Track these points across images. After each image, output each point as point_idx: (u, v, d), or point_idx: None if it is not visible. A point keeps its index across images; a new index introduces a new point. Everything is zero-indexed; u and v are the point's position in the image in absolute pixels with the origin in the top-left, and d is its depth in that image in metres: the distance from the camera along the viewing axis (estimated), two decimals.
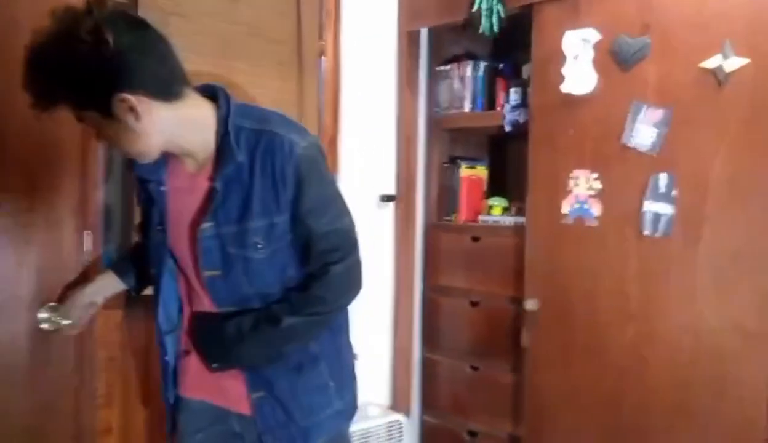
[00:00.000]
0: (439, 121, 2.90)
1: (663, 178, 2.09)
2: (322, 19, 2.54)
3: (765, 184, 1.91)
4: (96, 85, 1.18)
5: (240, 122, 1.32)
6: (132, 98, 1.19)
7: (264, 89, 2.28)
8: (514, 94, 2.61)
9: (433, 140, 2.92)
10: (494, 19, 2.48)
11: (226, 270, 1.35)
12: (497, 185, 2.95)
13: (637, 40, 2.12)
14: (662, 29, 2.08)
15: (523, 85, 2.57)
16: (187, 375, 1.51)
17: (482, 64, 2.78)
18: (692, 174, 2.03)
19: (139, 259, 1.58)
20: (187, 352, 1.50)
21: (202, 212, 1.35)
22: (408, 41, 2.83)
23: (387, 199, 2.79)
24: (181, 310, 1.50)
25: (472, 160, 2.94)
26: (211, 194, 1.33)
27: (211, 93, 1.35)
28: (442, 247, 2.86)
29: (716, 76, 1.97)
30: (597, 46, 2.22)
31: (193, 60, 2.03)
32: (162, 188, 1.40)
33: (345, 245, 1.40)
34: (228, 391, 1.45)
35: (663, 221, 2.09)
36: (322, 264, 1.36)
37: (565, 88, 2.29)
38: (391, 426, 2.63)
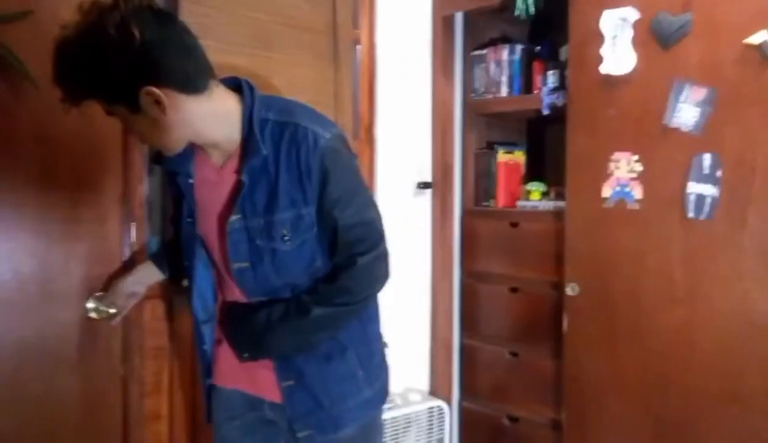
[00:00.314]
0: (475, 107, 2.87)
1: (707, 159, 2.03)
2: (357, 7, 2.54)
3: None
4: (123, 79, 1.19)
5: (264, 114, 1.33)
6: (158, 91, 1.20)
7: (300, 79, 2.30)
8: (552, 77, 2.57)
9: (470, 126, 2.90)
10: (530, 1, 2.44)
11: (254, 262, 1.37)
12: (535, 170, 2.91)
13: (679, 17, 2.07)
14: (704, 5, 2.02)
15: (561, 67, 2.53)
16: (220, 364, 1.54)
17: (518, 47, 2.75)
18: (738, 154, 1.98)
19: (175, 251, 1.61)
20: (219, 341, 1.53)
21: (230, 205, 1.37)
22: (443, 26, 2.81)
23: (424, 186, 2.78)
24: (216, 299, 1.53)
25: (510, 145, 2.91)
26: (238, 187, 1.35)
27: (235, 85, 1.36)
28: (480, 234, 2.84)
29: (762, 52, 1.91)
30: (636, 25, 2.17)
31: (231, 51, 2.06)
32: (190, 181, 1.42)
33: (371, 236, 1.39)
34: (259, 380, 1.47)
35: (707, 203, 2.03)
36: (349, 255, 1.36)
37: (603, 68, 2.24)
38: (432, 412, 2.65)
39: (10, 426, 1.62)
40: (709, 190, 2.03)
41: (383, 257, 1.42)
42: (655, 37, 2.13)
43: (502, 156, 2.83)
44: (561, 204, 2.47)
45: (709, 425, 2.07)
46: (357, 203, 1.37)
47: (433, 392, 2.82)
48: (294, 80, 2.26)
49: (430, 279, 2.85)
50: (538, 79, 2.66)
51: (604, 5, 2.23)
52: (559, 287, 2.45)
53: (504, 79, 2.76)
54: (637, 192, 2.19)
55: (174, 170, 1.45)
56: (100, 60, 1.17)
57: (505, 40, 2.83)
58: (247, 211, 1.35)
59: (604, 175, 2.26)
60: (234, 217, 1.35)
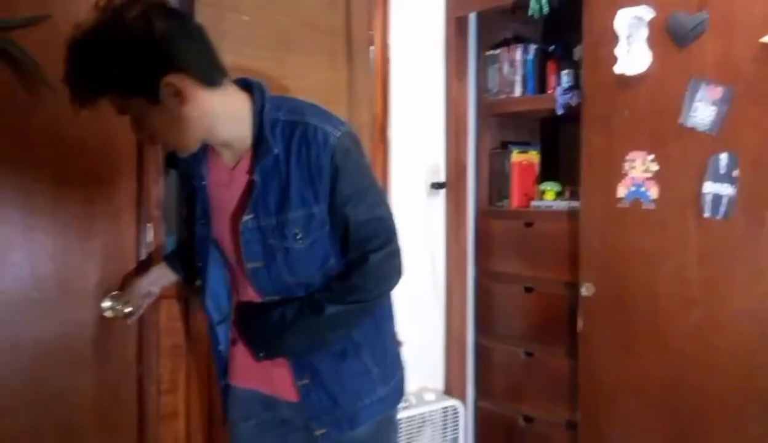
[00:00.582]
0: (489, 107, 2.87)
1: (723, 158, 2.01)
2: (370, 8, 2.55)
3: None
4: (144, 68, 1.20)
5: (275, 114, 1.34)
6: (178, 81, 1.22)
7: (315, 80, 2.31)
8: (566, 77, 2.56)
9: (483, 126, 2.89)
10: (543, 1, 2.44)
11: (267, 261, 1.38)
12: (549, 170, 2.90)
13: (695, 16, 2.05)
14: (720, 3, 2.00)
15: (575, 66, 2.52)
16: (235, 364, 1.55)
17: (532, 47, 2.74)
18: (755, 153, 1.95)
19: (189, 252, 1.62)
20: (234, 341, 1.54)
21: (243, 205, 1.38)
22: (456, 27, 2.81)
23: (438, 186, 2.78)
24: (230, 300, 1.54)
25: (524, 145, 2.91)
26: (250, 187, 1.36)
27: (246, 85, 1.38)
28: (494, 233, 2.84)
29: None
30: (651, 24, 2.15)
31: (248, 53, 2.08)
32: (203, 182, 1.44)
33: (383, 233, 1.40)
34: (275, 379, 1.47)
35: (724, 203, 2.02)
36: (361, 252, 1.37)
37: (618, 68, 2.23)
38: (446, 412, 2.65)
39: (29, 423, 1.65)
40: (726, 190, 2.01)
41: (395, 254, 1.42)
42: (670, 36, 2.12)
43: (516, 156, 2.82)
44: (575, 204, 2.46)
45: (725, 426, 2.05)
46: (368, 200, 1.38)
47: (448, 391, 2.82)
48: (309, 82, 2.27)
49: (444, 279, 2.85)
50: (552, 78, 2.65)
51: (618, 4, 2.22)
52: (573, 287, 2.43)
53: (518, 78, 2.75)
54: (653, 192, 2.18)
55: (187, 172, 1.47)
56: (121, 50, 1.18)
57: (519, 40, 2.82)
58: (259, 211, 1.36)
59: (619, 175, 2.25)
60: (247, 217, 1.36)
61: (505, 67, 2.79)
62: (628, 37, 2.20)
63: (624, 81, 2.23)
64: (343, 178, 1.33)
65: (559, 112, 2.54)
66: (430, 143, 2.79)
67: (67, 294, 1.71)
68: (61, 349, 1.70)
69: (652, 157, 2.18)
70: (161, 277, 1.74)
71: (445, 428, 2.64)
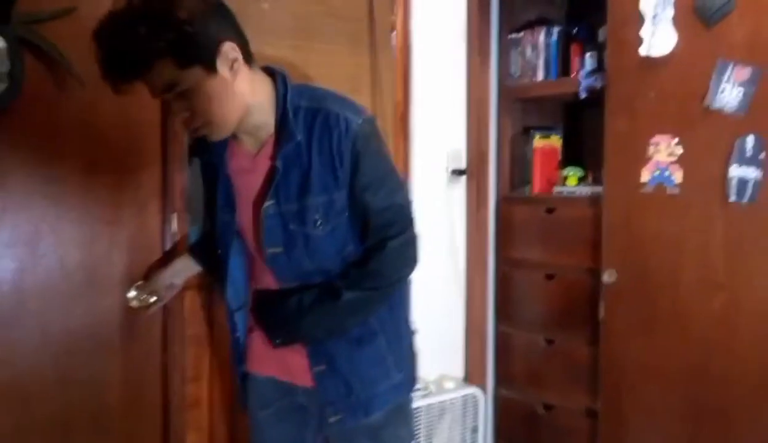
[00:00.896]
0: (511, 91, 2.83)
1: (750, 141, 1.97)
2: None
3: None
4: (208, 33, 1.21)
5: (297, 101, 1.36)
6: (233, 50, 1.24)
7: (337, 68, 2.30)
8: (590, 59, 2.52)
9: (505, 111, 2.86)
10: None
11: (287, 247, 1.39)
12: (572, 154, 2.86)
13: None
14: None
15: (599, 49, 2.48)
16: (252, 351, 1.57)
17: (556, 30, 2.69)
18: None
19: (211, 242, 1.64)
20: (251, 329, 1.56)
21: (264, 191, 1.39)
22: (479, 9, 2.77)
23: (459, 172, 2.77)
24: (248, 288, 1.56)
25: (546, 130, 2.87)
26: (272, 173, 1.37)
27: (268, 73, 1.39)
28: (515, 220, 2.82)
29: None
30: (677, 4, 2.11)
31: (269, 41, 2.07)
32: (226, 170, 1.45)
33: (401, 220, 1.41)
34: (291, 366, 1.49)
35: (750, 186, 1.98)
36: (379, 239, 1.38)
37: (643, 49, 2.19)
38: (466, 399, 2.65)
39: (58, 409, 1.69)
40: (752, 173, 1.97)
41: (413, 241, 1.44)
42: (696, 16, 2.07)
43: (538, 141, 2.79)
44: (598, 189, 2.43)
45: (748, 414, 2.02)
46: (388, 187, 1.40)
47: (468, 379, 2.82)
48: (331, 69, 2.26)
49: (464, 266, 2.84)
50: (575, 61, 2.61)
51: None
52: (595, 273, 2.41)
53: (540, 62, 2.71)
54: (677, 176, 2.14)
55: (211, 161, 1.48)
56: (182, 17, 1.18)
57: (542, 22, 2.77)
58: (281, 197, 1.37)
59: (643, 159, 2.22)
60: (268, 203, 1.38)
61: (528, 51, 2.75)
62: (654, 17, 2.16)
63: (649, 63, 2.18)
64: (364, 165, 1.35)
65: (583, 95, 2.50)
66: (451, 129, 2.77)
67: (94, 283, 1.74)
68: (89, 338, 1.73)
69: (676, 140, 2.14)
70: (184, 269, 1.76)
71: (465, 416, 2.65)
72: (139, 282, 1.77)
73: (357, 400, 1.46)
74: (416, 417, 2.45)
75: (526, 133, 2.86)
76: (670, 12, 2.13)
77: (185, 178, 1.91)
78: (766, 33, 1.93)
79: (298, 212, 1.37)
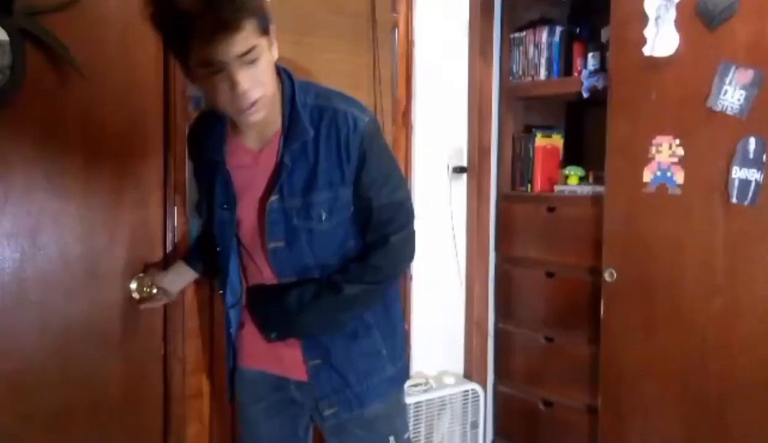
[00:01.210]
0: (513, 90, 2.84)
1: (752, 143, 1.98)
2: None
3: None
4: (267, 8, 1.24)
5: (304, 99, 1.37)
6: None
7: (339, 64, 2.30)
8: (592, 59, 2.53)
9: (507, 109, 2.86)
10: None
11: (290, 241, 1.40)
12: (573, 154, 2.87)
13: None
14: None
15: (602, 49, 2.49)
16: (245, 346, 1.57)
17: (558, 29, 2.70)
18: None
19: (206, 244, 1.64)
20: (243, 325, 1.57)
21: (269, 187, 1.40)
22: (481, 8, 2.77)
23: (460, 170, 2.77)
24: (242, 284, 1.57)
25: (548, 129, 2.88)
26: (278, 169, 1.38)
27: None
28: (516, 218, 2.82)
29: None
30: (680, 5, 2.11)
31: (277, 38, 2.07)
32: (226, 167, 1.44)
33: (403, 216, 1.45)
34: (285, 360, 1.50)
35: (752, 188, 1.98)
36: (381, 234, 1.41)
37: (646, 50, 2.19)
38: (466, 395, 2.66)
39: (58, 400, 1.69)
40: (754, 175, 1.98)
41: (412, 237, 1.48)
42: (700, 18, 2.07)
43: (539, 140, 2.80)
44: (599, 188, 2.44)
45: (747, 413, 2.03)
46: (391, 184, 1.42)
47: (468, 375, 2.83)
48: (333, 66, 2.26)
49: (465, 264, 2.85)
50: (578, 61, 2.62)
51: None
52: (596, 272, 2.42)
53: (543, 61, 2.72)
54: (679, 177, 2.15)
55: (209, 157, 1.47)
56: None
57: (545, 21, 2.78)
58: (285, 192, 1.38)
59: (645, 160, 2.22)
60: (273, 198, 1.38)
61: (530, 50, 2.75)
62: (657, 18, 2.16)
63: (652, 63, 2.19)
64: (370, 162, 1.37)
65: (585, 95, 2.51)
66: (452, 127, 2.78)
67: (95, 276, 1.74)
68: (90, 330, 1.73)
69: (678, 141, 2.14)
70: (178, 279, 1.75)
71: (465, 411, 2.66)
72: (140, 274, 1.77)
73: (352, 393, 1.47)
74: (416, 413, 2.46)
75: (528, 131, 2.87)
76: (673, 13, 2.13)
77: (187, 170, 1.90)
78: None
79: (303, 207, 1.38)
